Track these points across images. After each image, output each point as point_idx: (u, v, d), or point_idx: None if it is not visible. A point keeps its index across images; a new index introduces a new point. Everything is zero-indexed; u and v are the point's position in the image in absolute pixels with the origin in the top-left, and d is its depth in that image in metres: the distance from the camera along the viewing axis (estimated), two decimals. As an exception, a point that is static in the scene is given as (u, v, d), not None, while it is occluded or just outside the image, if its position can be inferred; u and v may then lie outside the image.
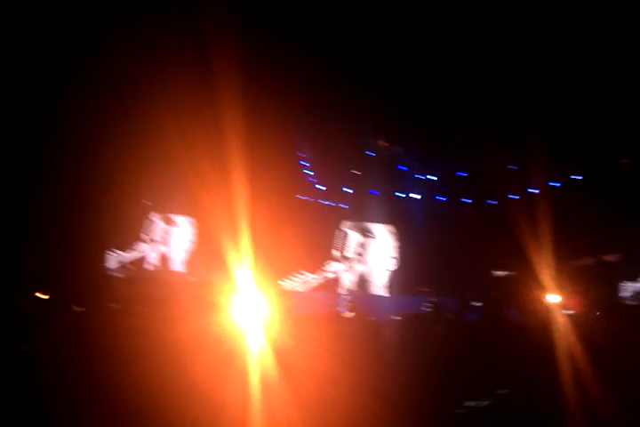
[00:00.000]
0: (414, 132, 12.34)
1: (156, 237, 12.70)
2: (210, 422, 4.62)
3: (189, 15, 9.42)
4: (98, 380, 4.88)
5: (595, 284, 9.42)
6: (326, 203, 13.13)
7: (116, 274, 11.44)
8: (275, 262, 9.29)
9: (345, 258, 12.75)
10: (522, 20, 9.89)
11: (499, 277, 11.03)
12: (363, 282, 12.73)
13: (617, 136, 11.32)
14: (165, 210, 12.68)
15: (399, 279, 12.54)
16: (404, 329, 7.34)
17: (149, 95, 9.80)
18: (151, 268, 12.52)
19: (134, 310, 6.66)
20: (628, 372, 5.42)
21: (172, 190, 11.95)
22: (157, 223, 12.75)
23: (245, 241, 8.30)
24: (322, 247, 12.59)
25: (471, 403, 5.45)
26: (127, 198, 11.22)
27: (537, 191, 12.04)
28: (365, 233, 12.91)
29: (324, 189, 13.08)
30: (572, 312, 7.62)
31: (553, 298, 8.53)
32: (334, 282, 12.59)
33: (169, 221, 12.80)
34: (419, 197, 13.10)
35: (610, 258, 11.22)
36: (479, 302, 8.14)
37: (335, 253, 12.74)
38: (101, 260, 11.45)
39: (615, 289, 10.67)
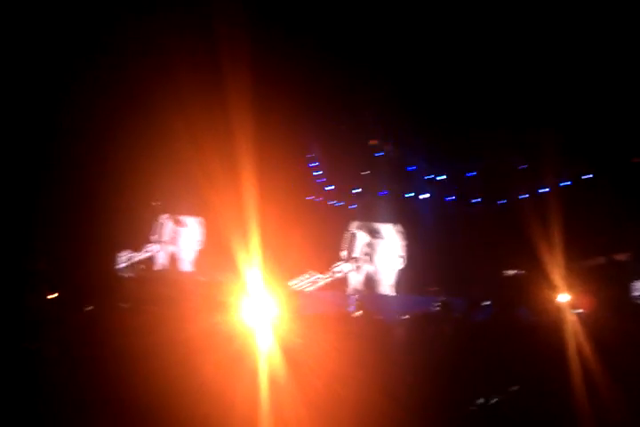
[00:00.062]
0: (423, 132, 12.30)
1: (166, 237, 12.76)
2: (220, 421, 4.64)
3: (199, 16, 9.46)
4: (108, 379, 4.91)
5: (605, 283, 9.36)
6: (335, 203, 13.14)
7: (126, 274, 11.52)
8: (283, 262, 9.32)
9: (353, 258, 12.75)
10: (533, 19, 9.84)
11: (509, 277, 10.98)
12: (371, 282, 12.72)
13: (628, 135, 11.23)
14: (175, 210, 12.75)
15: (408, 279, 12.51)
16: (412, 329, 7.33)
17: (159, 96, 9.84)
18: (161, 267, 12.59)
19: (144, 309, 6.69)
20: (638, 372, 5.39)
21: (181, 191, 12.00)
22: (167, 224, 12.82)
23: (254, 241, 8.33)
24: (330, 247, 12.59)
25: (479, 402, 5.44)
26: (137, 199, 11.29)
27: (547, 191, 11.98)
28: (374, 233, 12.90)
29: (333, 189, 13.09)
30: (582, 311, 7.60)
31: (563, 297, 8.50)
32: (343, 282, 12.59)
33: (179, 222, 12.86)
34: (428, 196, 13.07)
35: (620, 257, 11.15)
36: (488, 301, 8.12)
37: (343, 253, 12.75)
38: (112, 259, 11.52)
39: (626, 289, 10.59)
